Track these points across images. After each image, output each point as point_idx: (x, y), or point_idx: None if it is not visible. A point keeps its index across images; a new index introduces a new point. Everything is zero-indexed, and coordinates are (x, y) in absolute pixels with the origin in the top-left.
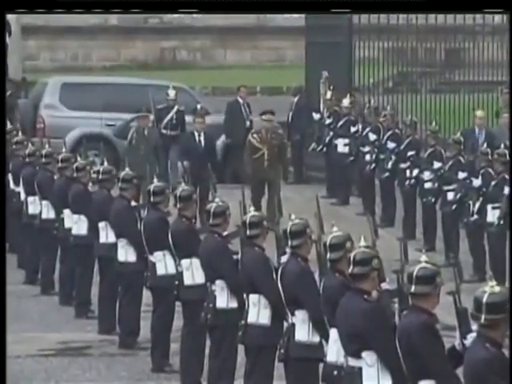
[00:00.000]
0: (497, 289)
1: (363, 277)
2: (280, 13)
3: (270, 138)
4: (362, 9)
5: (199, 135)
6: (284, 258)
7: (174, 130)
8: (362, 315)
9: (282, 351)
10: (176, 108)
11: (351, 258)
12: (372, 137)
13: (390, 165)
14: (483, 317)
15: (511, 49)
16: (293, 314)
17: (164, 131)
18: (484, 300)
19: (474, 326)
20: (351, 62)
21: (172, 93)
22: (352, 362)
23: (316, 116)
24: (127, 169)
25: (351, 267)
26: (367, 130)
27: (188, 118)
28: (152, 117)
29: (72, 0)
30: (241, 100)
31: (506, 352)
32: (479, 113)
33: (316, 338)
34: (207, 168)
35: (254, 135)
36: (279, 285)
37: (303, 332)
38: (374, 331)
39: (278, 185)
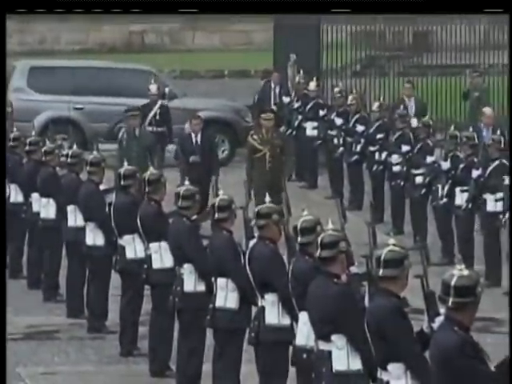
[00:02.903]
0: (465, 272)
1: (331, 260)
2: (280, 13)
3: (272, 137)
4: (362, 9)
5: (196, 136)
6: (252, 242)
7: (160, 127)
8: (331, 298)
9: (253, 334)
10: (159, 103)
11: (318, 242)
12: (338, 121)
13: (358, 148)
14: (451, 300)
15: (510, 47)
16: (262, 297)
17: (149, 128)
18: (452, 283)
19: (442, 310)
20: (319, 46)
21: (154, 88)
22: (322, 345)
23: (286, 99)
24: (95, 152)
25: (319, 250)
26: (334, 113)
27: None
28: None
29: (72, 0)
30: (272, 84)
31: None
32: (487, 110)
33: (286, 321)
34: (209, 169)
35: (254, 136)
36: (248, 268)
37: (273, 315)
38: (343, 314)
39: (282, 187)
